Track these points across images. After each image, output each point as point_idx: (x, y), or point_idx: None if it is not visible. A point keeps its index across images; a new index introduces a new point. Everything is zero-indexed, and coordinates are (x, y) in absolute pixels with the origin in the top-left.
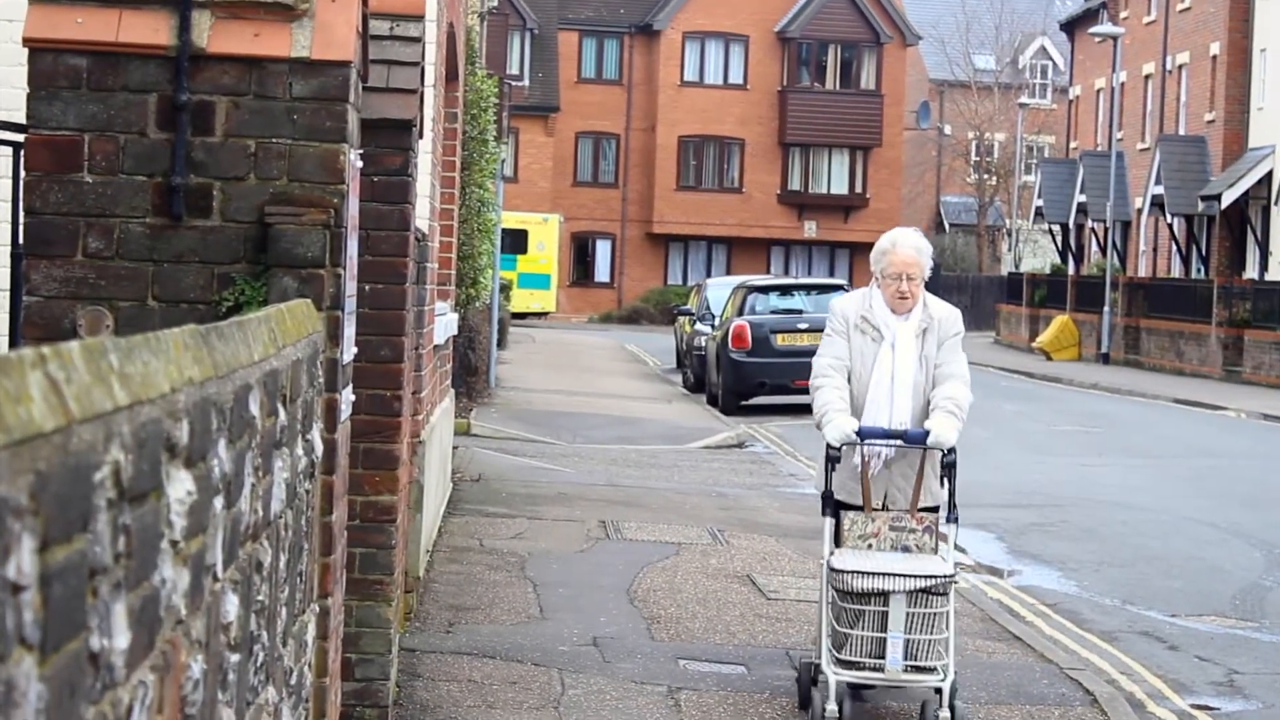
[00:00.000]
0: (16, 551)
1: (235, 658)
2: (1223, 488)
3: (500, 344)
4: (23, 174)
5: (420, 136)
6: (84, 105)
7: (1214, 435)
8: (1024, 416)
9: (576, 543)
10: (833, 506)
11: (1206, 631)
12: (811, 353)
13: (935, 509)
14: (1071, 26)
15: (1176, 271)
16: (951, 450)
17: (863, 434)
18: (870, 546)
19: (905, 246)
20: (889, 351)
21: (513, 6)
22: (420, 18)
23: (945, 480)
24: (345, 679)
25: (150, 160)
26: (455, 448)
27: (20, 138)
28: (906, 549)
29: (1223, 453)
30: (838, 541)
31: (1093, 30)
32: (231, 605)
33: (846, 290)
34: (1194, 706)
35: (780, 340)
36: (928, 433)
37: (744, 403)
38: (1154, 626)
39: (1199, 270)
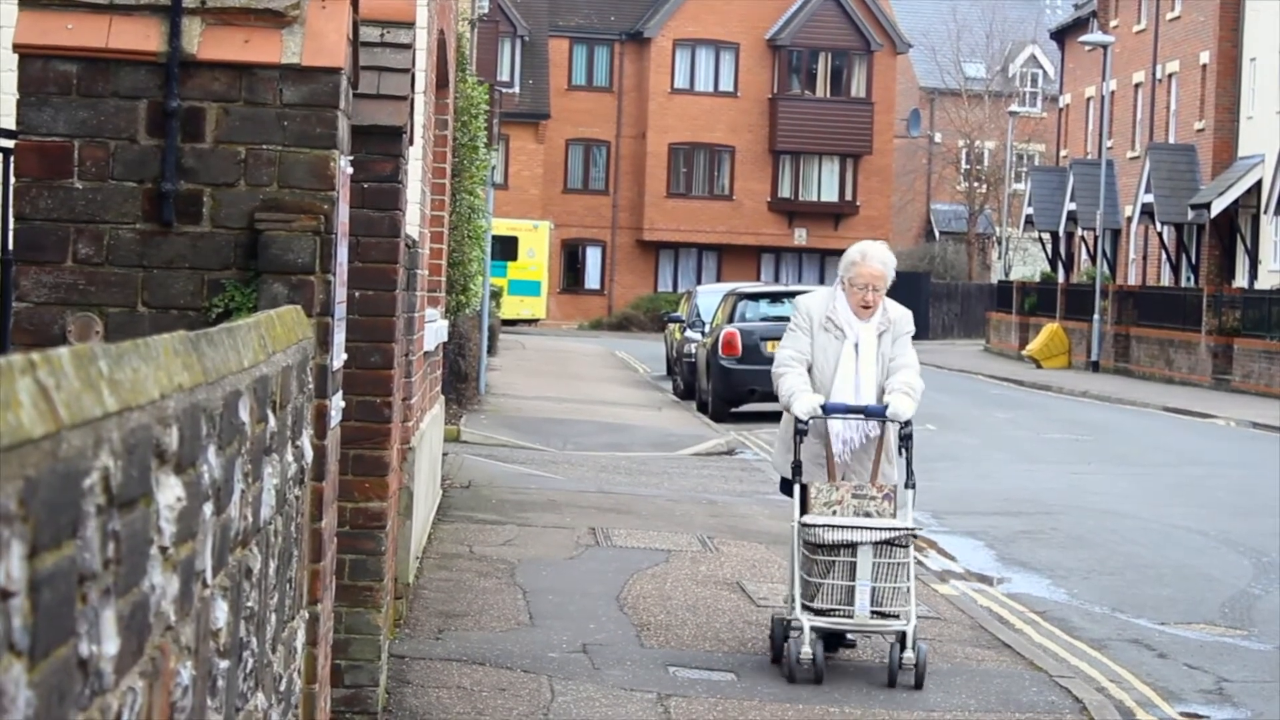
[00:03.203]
0: (6, 558)
1: (224, 664)
2: (1212, 496)
3: (490, 351)
4: (12, 180)
5: (410, 143)
6: (74, 111)
7: (1203, 443)
8: (1013, 424)
9: (566, 549)
10: (801, 475)
11: (1196, 639)
12: None
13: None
14: (1062, 35)
15: (1166, 280)
16: (908, 423)
17: (828, 409)
18: (835, 513)
19: (873, 260)
20: (852, 351)
21: (503, 14)
22: (411, 25)
23: (903, 450)
24: (334, 685)
25: (140, 166)
26: (445, 454)
27: (10, 144)
28: (868, 514)
29: (1212, 461)
30: (805, 509)
31: (1083, 39)
32: (221, 611)
33: None
34: (1183, 714)
35: (770, 348)
36: (886, 407)
37: (734, 410)
38: (1143, 634)
39: (1189, 279)
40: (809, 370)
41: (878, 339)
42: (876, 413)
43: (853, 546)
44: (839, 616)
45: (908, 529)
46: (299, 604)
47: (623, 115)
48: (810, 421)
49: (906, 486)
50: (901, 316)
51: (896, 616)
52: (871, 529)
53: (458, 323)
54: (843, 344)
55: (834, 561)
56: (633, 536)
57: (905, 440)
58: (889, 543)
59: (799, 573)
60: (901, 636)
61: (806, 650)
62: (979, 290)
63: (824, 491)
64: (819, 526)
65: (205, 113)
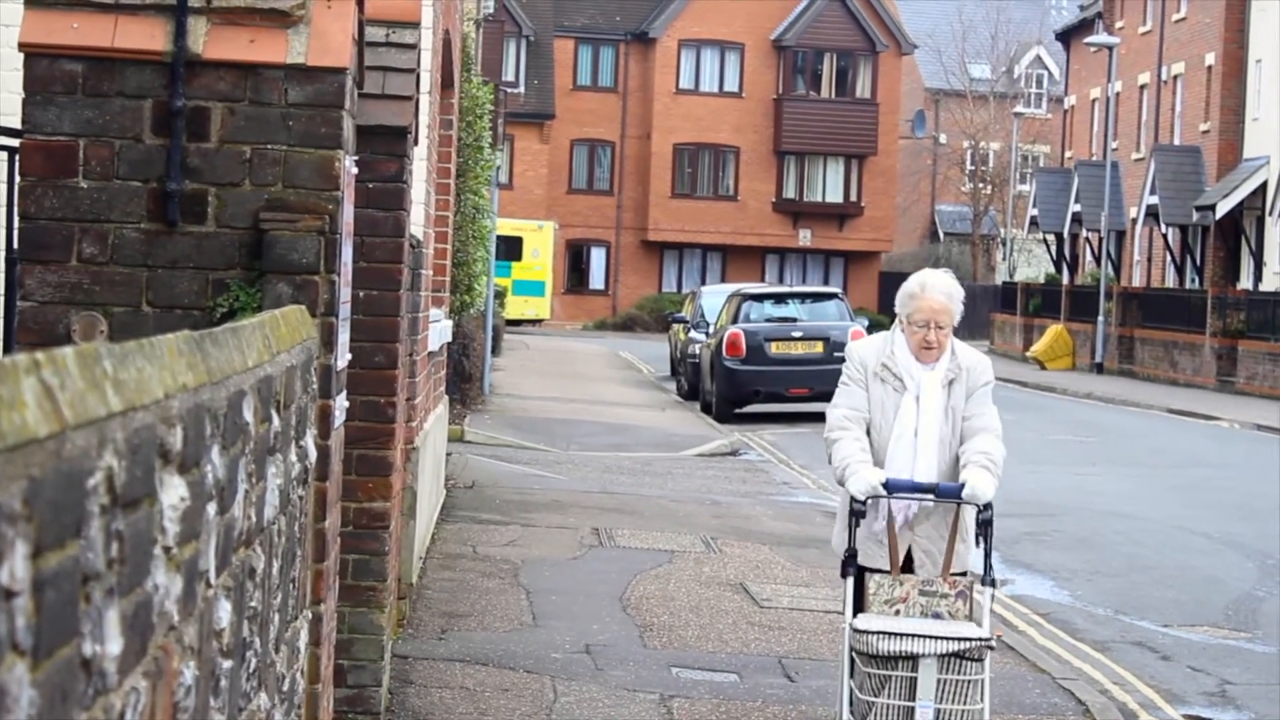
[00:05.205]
0: (10, 557)
1: (227, 664)
2: (1216, 498)
3: (494, 351)
4: (18, 179)
5: (415, 143)
6: (79, 110)
7: (1208, 445)
8: (1018, 425)
9: (569, 550)
10: (855, 568)
11: (1199, 642)
12: (805, 361)
13: (963, 573)
14: (1067, 36)
15: (1171, 282)
16: (988, 506)
17: (890, 487)
18: (898, 613)
19: (935, 292)
20: (913, 403)
21: (509, 14)
22: (416, 25)
23: (981, 539)
24: (338, 685)
25: (145, 166)
26: (449, 454)
27: (16, 142)
28: (938, 615)
29: (1216, 463)
30: (860, 607)
31: (1088, 40)
32: (224, 611)
33: (841, 299)
34: (1186, 717)
35: (774, 348)
36: (962, 486)
37: (738, 411)
38: (1147, 636)
39: (1193, 280)
40: (867, 429)
41: (945, 389)
42: (950, 493)
43: (914, 659)
44: None
45: (982, 639)
46: (302, 604)
47: (627, 115)
48: (868, 503)
49: (985, 583)
50: (976, 364)
51: None
52: (936, 638)
53: (462, 323)
54: (902, 396)
55: (890, 676)
56: (636, 537)
57: (984, 526)
58: (958, 655)
59: (848, 685)
60: None
61: None
62: (983, 291)
63: (885, 587)
64: (873, 634)
65: (210, 112)
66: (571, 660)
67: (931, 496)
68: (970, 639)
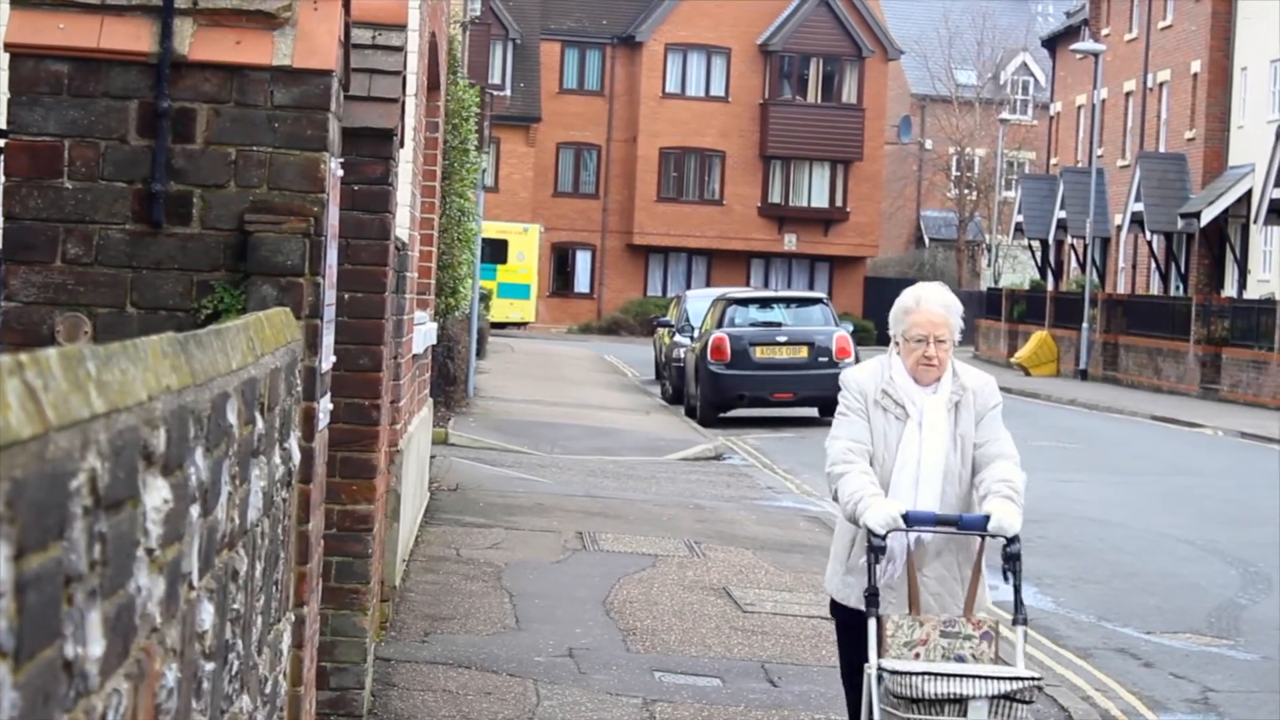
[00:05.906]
0: None
1: (210, 666)
2: (1199, 505)
3: (479, 354)
4: (2, 179)
5: (401, 145)
6: (65, 111)
7: (1191, 453)
8: None
9: (553, 553)
10: (877, 606)
11: (1182, 649)
12: (790, 366)
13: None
14: (1053, 43)
15: (1155, 289)
16: (1015, 539)
17: (910, 519)
18: (917, 656)
19: (931, 304)
20: (916, 431)
21: (495, 16)
22: (402, 27)
23: (1010, 574)
24: (320, 688)
25: (130, 167)
26: (433, 457)
27: (0, 142)
28: (961, 658)
29: (1200, 470)
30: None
31: (1074, 47)
32: (207, 614)
33: (826, 304)
34: None
35: (759, 353)
36: (987, 518)
37: (722, 415)
38: (1129, 643)
39: (1178, 288)
40: (870, 461)
41: (951, 414)
42: (975, 525)
43: (962, 702)
44: None
45: (1033, 678)
46: (285, 606)
47: (614, 119)
48: (888, 536)
49: (1016, 623)
50: (983, 386)
51: None
52: (988, 678)
53: (447, 325)
54: (905, 424)
55: None
56: (620, 541)
57: (1012, 560)
58: (1008, 697)
59: None
60: None
61: None
62: (968, 297)
63: (904, 628)
64: (916, 675)
65: (196, 114)
66: (554, 664)
67: (954, 529)
68: (1023, 678)
